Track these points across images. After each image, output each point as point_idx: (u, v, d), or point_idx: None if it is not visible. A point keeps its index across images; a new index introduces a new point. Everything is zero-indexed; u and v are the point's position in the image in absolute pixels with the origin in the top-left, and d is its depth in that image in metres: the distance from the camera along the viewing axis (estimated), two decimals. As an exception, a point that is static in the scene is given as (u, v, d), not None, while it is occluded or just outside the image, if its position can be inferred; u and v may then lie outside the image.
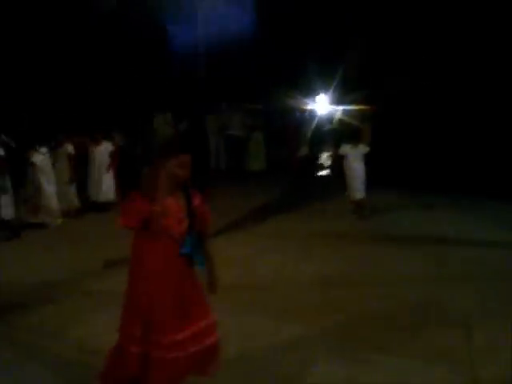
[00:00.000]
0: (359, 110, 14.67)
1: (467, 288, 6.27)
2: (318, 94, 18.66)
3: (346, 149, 10.10)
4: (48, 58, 14.63)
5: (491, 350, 4.58)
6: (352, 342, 4.82)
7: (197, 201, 3.53)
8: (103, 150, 11.06)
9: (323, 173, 16.46)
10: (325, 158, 18.12)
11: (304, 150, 17.04)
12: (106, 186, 11.01)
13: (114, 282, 5.64)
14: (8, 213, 8.73)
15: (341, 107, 16.90)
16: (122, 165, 11.08)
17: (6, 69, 13.34)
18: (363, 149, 9.91)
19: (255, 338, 4.88)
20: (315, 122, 18.08)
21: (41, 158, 9.50)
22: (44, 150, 9.63)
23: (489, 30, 11.92)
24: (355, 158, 9.93)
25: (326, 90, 18.23)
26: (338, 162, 11.06)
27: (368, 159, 10.04)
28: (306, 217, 10.23)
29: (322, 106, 18.99)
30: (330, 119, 18.82)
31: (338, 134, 16.38)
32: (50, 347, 4.76)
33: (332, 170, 15.98)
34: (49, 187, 9.60)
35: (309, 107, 18.67)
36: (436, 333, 5.02)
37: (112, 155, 11.01)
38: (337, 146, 13.42)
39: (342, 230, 9.06)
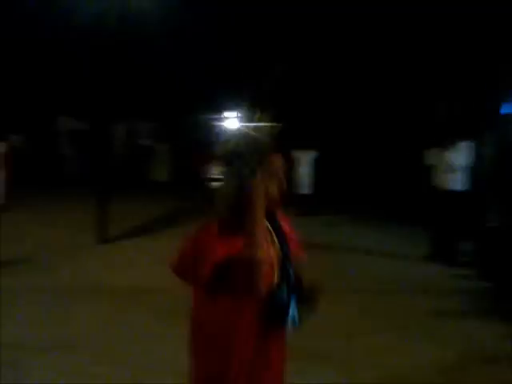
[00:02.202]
0: (268, 127, 14.74)
1: (352, 298, 6.58)
2: (228, 110, 18.71)
3: None
4: None
5: (367, 355, 4.88)
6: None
7: (286, 226, 2.38)
8: None
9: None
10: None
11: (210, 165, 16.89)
12: None
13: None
14: None
15: (252, 124, 16.91)
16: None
17: None
18: None
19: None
20: (225, 137, 18.10)
21: None
22: None
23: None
24: None
25: (236, 107, 18.33)
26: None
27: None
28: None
29: (232, 122, 19.06)
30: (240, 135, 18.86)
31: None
32: None
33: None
34: None
35: (219, 123, 18.67)
36: (319, 340, 5.07)
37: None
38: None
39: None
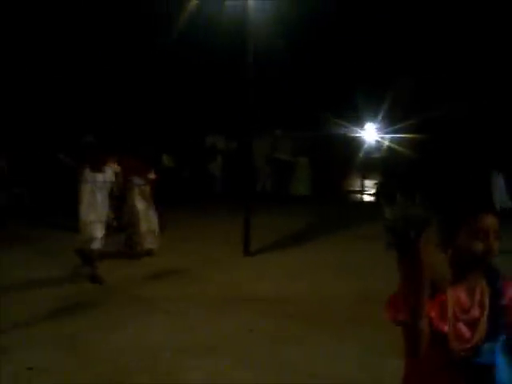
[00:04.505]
0: (409, 138, 14.64)
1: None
2: (366, 121, 18.79)
3: None
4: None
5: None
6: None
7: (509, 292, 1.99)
8: None
9: (370, 199, 16.71)
10: (373, 185, 18.29)
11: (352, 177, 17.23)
12: None
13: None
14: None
15: (389, 135, 16.91)
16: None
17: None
18: None
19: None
20: (363, 149, 18.16)
21: None
22: None
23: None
24: None
25: (374, 117, 18.34)
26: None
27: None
28: (348, 241, 10.16)
29: (370, 133, 19.08)
30: (378, 147, 18.87)
31: (387, 161, 16.51)
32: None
33: (378, 197, 16.16)
34: None
35: (357, 134, 18.76)
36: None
37: None
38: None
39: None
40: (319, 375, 4.50)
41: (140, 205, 8.51)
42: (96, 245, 7.18)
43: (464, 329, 1.92)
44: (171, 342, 5.14)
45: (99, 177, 7.38)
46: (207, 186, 16.29)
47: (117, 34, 14.83)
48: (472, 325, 1.92)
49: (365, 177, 18.20)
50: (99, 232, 7.20)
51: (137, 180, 8.52)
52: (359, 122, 18.64)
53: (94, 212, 7.22)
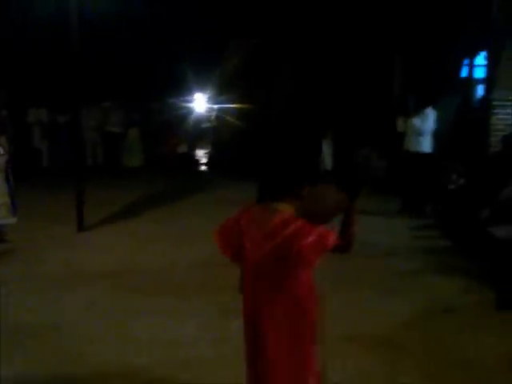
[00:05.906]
0: (236, 108, 15.01)
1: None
2: (195, 92, 18.99)
3: None
4: None
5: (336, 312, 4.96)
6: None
7: None
8: None
9: (201, 168, 17.05)
10: (202, 154, 18.65)
11: (183, 147, 17.40)
12: None
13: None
14: None
15: (218, 106, 17.25)
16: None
17: None
18: None
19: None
20: (193, 119, 18.37)
21: None
22: None
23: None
24: None
25: (203, 88, 18.57)
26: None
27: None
28: (183, 210, 10.33)
29: (200, 104, 19.35)
30: (207, 117, 19.19)
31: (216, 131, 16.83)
32: None
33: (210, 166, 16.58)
34: None
35: (187, 105, 18.90)
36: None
37: None
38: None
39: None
40: (163, 341, 4.64)
41: None
42: None
43: None
44: (9, 325, 4.91)
45: None
46: (33, 162, 15.43)
47: None
48: None
49: (196, 147, 18.46)
50: None
51: None
52: (189, 93, 18.79)
53: None
